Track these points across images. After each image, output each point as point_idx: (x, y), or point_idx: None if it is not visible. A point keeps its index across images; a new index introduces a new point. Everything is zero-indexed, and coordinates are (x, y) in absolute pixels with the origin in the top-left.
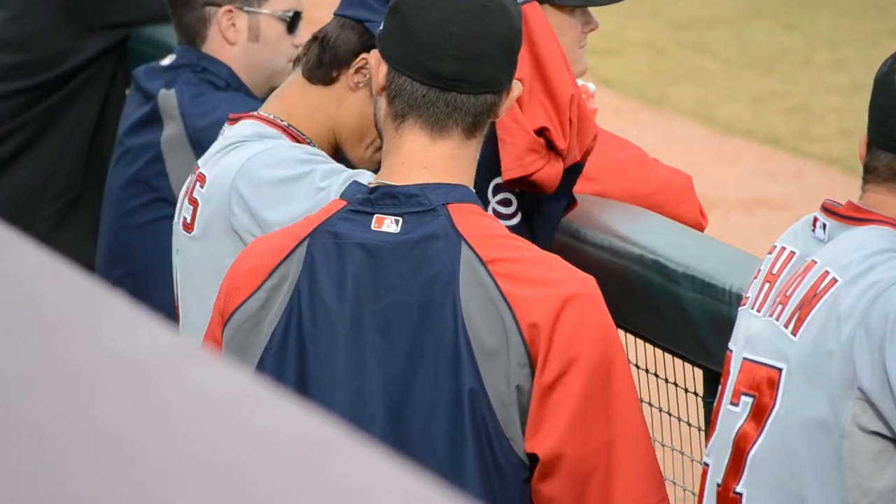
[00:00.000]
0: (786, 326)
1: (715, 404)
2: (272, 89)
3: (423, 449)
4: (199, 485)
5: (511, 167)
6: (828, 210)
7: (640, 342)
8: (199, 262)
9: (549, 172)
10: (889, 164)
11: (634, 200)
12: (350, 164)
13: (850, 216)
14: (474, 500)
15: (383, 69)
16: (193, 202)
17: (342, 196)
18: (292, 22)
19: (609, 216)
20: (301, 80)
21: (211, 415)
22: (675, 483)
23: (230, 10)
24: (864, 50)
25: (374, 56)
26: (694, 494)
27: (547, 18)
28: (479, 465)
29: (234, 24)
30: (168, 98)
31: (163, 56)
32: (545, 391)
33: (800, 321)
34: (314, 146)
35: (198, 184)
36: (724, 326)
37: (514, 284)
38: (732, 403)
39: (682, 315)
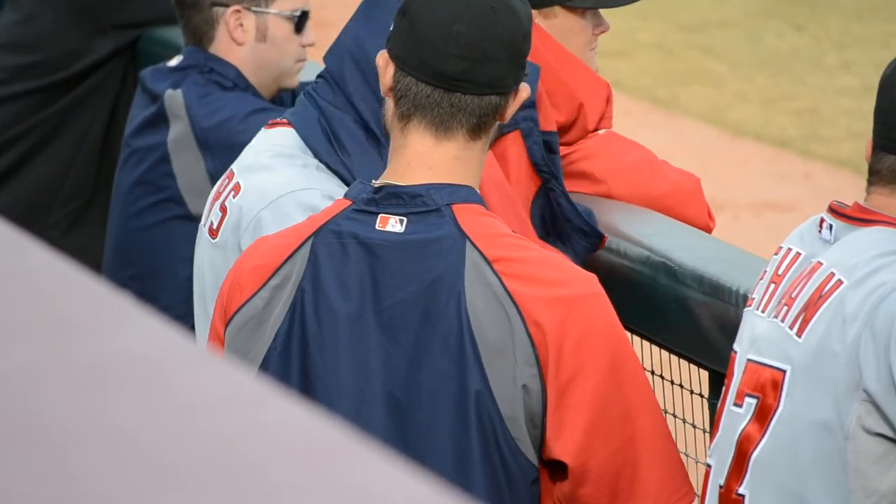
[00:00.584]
0: (791, 328)
1: (718, 405)
2: (280, 89)
3: (429, 449)
4: (206, 485)
5: None
6: (834, 211)
7: (645, 343)
8: (219, 270)
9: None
10: (892, 166)
11: (643, 202)
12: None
13: (857, 217)
14: (481, 502)
15: (391, 69)
16: (223, 209)
17: (347, 195)
18: (300, 21)
19: (617, 218)
20: None
21: (217, 416)
22: None
23: (238, 11)
24: (873, 52)
25: (381, 56)
26: (697, 496)
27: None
28: (485, 465)
29: (241, 25)
30: (174, 98)
31: (173, 57)
32: (560, 395)
33: (805, 322)
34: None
35: (231, 193)
36: (731, 328)
37: (519, 283)
38: (736, 405)
39: (690, 317)
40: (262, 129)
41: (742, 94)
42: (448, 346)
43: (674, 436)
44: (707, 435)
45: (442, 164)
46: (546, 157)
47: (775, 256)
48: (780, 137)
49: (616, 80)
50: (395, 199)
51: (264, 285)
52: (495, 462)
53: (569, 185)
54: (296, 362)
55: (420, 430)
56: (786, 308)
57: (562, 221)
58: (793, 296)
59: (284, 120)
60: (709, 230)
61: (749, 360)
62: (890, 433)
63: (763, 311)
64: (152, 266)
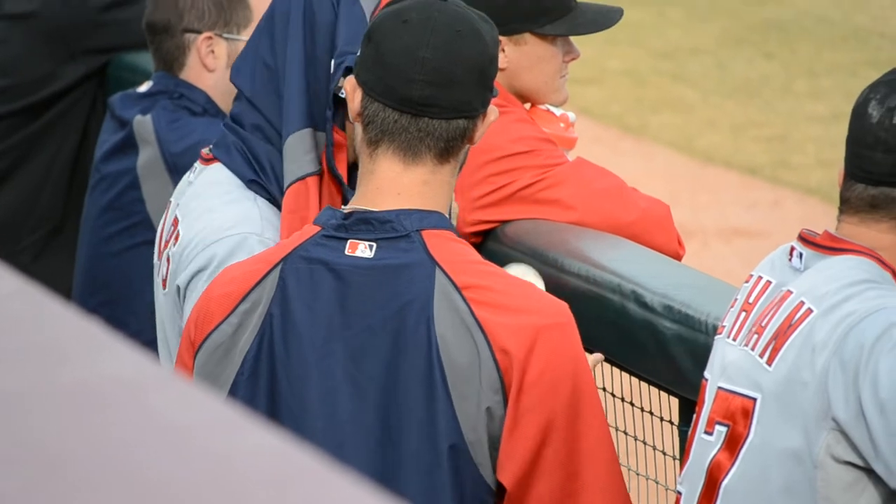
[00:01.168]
0: (761, 356)
1: (689, 433)
2: None
3: (396, 476)
4: None
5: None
6: (804, 239)
7: (616, 371)
8: (175, 319)
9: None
10: (861, 194)
11: (613, 229)
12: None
13: (827, 246)
14: None
15: (358, 95)
16: (168, 260)
17: (316, 221)
18: None
19: (587, 245)
20: None
21: (180, 442)
22: None
23: (210, 37)
24: (843, 80)
25: (349, 82)
26: None
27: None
28: (454, 491)
29: (213, 51)
30: (144, 123)
31: (143, 82)
32: (516, 420)
33: (775, 351)
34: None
35: (173, 241)
36: (702, 355)
37: (488, 311)
38: (706, 432)
39: (659, 344)
40: (198, 162)
41: (712, 121)
42: (417, 371)
43: (644, 462)
44: (677, 462)
45: (411, 189)
46: None
47: (746, 284)
48: (749, 165)
49: (586, 107)
50: (364, 224)
51: (234, 310)
52: (462, 488)
53: (538, 212)
54: (263, 387)
55: (388, 456)
56: (756, 336)
57: None
58: (763, 324)
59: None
60: (679, 257)
61: (720, 387)
62: (859, 461)
63: (734, 339)
64: (122, 291)
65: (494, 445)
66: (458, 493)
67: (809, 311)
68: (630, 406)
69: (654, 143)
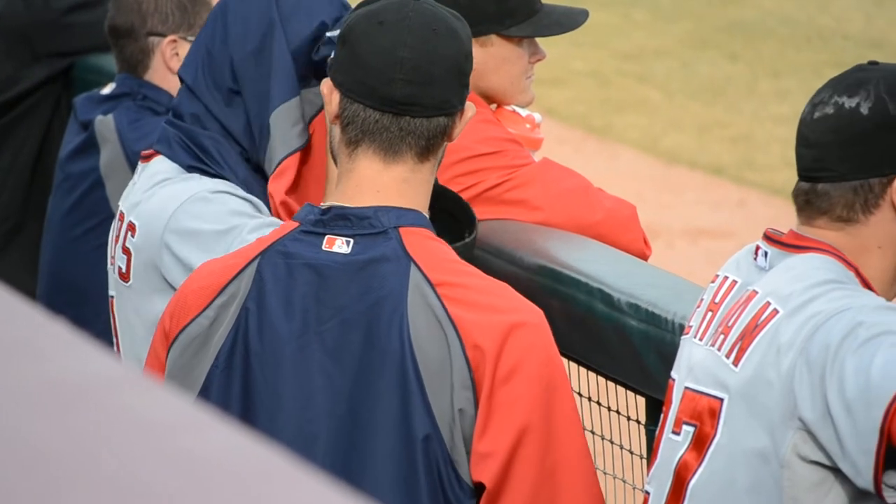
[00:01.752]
0: (727, 356)
1: (657, 433)
2: None
3: (372, 471)
4: None
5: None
6: (770, 238)
7: (582, 370)
8: (135, 312)
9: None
10: (796, 192)
11: (579, 230)
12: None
13: (791, 244)
14: None
15: (336, 97)
16: (127, 252)
17: (295, 217)
18: None
19: (553, 245)
20: None
21: (146, 441)
22: None
23: (174, 41)
24: (807, 80)
25: (325, 84)
26: None
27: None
28: (429, 489)
29: (177, 54)
30: (105, 123)
31: (106, 84)
32: (487, 419)
33: (741, 351)
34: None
35: (129, 233)
36: (668, 355)
37: (461, 308)
38: (674, 432)
39: (626, 343)
40: (140, 162)
41: (677, 121)
42: (390, 366)
43: (611, 461)
44: (644, 461)
45: (390, 187)
46: None
47: (712, 284)
48: (714, 165)
49: (551, 107)
50: (342, 220)
51: (210, 304)
52: (438, 485)
53: (505, 213)
54: (237, 381)
55: (362, 451)
56: (722, 336)
57: None
58: (729, 324)
59: (155, 151)
60: (645, 257)
61: (687, 388)
62: (825, 461)
63: (700, 339)
64: (86, 291)
65: (468, 444)
66: (433, 487)
67: (775, 311)
68: (597, 405)
69: (619, 143)
